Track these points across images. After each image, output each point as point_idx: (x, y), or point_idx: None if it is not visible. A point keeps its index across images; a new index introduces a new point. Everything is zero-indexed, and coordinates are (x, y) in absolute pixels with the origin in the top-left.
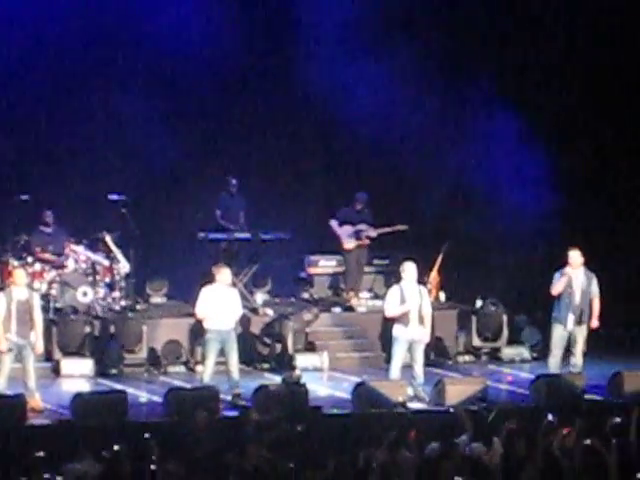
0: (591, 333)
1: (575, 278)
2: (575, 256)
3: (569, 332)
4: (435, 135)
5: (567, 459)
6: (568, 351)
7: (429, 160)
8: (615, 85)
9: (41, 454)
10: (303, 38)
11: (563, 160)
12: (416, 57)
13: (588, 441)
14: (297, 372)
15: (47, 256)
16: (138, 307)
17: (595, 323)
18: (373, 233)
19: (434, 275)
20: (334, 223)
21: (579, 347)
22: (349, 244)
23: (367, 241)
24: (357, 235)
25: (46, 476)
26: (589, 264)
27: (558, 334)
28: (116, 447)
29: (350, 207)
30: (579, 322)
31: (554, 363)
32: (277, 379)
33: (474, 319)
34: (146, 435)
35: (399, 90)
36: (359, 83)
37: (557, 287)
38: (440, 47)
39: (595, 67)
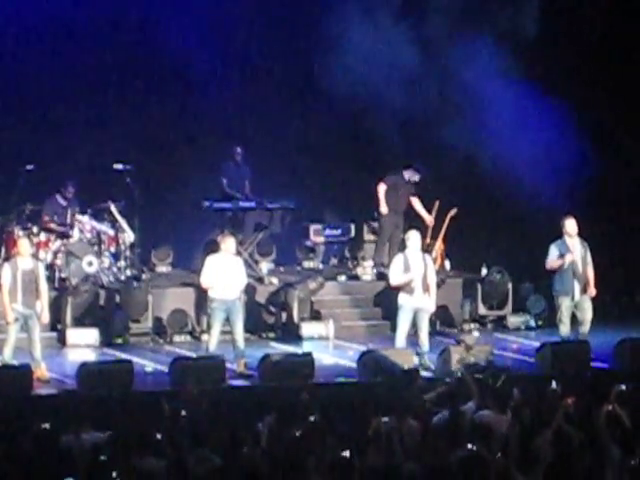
0: (595, 301)
1: (574, 248)
2: (572, 225)
3: (576, 302)
4: (441, 102)
5: (575, 427)
6: (574, 321)
7: (436, 131)
8: None
9: (47, 425)
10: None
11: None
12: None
13: (609, 407)
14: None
15: (53, 226)
16: (143, 276)
17: (593, 292)
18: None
19: (439, 243)
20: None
21: (588, 316)
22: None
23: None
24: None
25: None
26: (591, 233)
27: (566, 306)
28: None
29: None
30: (585, 291)
31: (566, 331)
32: (282, 348)
33: (479, 287)
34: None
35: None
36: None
37: (554, 264)
38: None
39: None
